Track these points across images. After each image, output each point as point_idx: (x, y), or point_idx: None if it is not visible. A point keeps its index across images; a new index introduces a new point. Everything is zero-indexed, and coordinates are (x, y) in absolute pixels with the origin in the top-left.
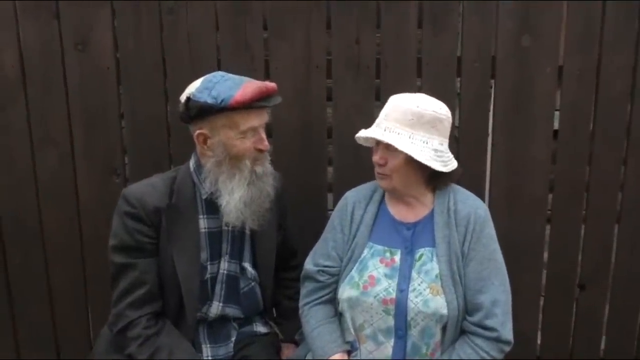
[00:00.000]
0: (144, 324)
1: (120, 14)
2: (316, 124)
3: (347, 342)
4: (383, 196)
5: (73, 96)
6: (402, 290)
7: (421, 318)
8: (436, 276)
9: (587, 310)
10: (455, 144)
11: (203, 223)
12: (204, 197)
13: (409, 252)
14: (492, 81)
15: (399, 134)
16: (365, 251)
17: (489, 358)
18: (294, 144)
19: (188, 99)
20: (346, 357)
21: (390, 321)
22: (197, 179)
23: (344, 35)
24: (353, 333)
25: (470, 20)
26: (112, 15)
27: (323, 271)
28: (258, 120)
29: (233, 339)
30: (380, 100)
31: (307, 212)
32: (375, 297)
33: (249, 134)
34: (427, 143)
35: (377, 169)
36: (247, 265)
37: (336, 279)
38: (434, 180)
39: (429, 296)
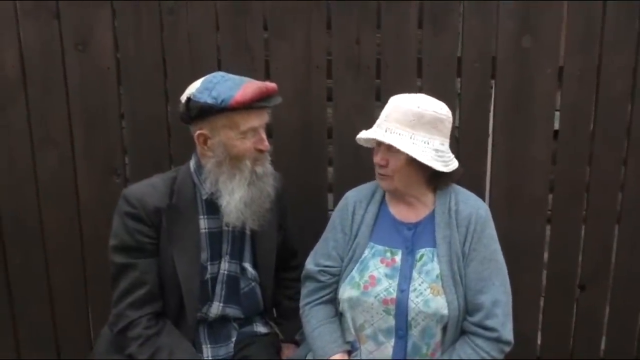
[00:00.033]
0: (144, 324)
1: (121, 14)
2: (316, 124)
3: (348, 342)
4: (384, 196)
5: (73, 96)
6: (403, 290)
7: (422, 318)
8: (437, 276)
9: (587, 310)
10: (456, 144)
11: (203, 223)
12: (204, 197)
13: (410, 252)
14: (493, 81)
15: (400, 134)
16: (366, 251)
17: (489, 358)
18: (294, 144)
19: (188, 99)
20: (346, 357)
21: (391, 321)
22: (197, 179)
23: (344, 35)
24: (353, 333)
25: (471, 20)
26: (112, 15)
27: (324, 271)
28: (258, 120)
29: (233, 339)
30: (380, 100)
31: (308, 212)
32: (375, 297)
33: (249, 134)
34: (428, 143)
35: (378, 170)
36: (248, 266)
37: (337, 279)
38: (435, 180)
39: (430, 296)
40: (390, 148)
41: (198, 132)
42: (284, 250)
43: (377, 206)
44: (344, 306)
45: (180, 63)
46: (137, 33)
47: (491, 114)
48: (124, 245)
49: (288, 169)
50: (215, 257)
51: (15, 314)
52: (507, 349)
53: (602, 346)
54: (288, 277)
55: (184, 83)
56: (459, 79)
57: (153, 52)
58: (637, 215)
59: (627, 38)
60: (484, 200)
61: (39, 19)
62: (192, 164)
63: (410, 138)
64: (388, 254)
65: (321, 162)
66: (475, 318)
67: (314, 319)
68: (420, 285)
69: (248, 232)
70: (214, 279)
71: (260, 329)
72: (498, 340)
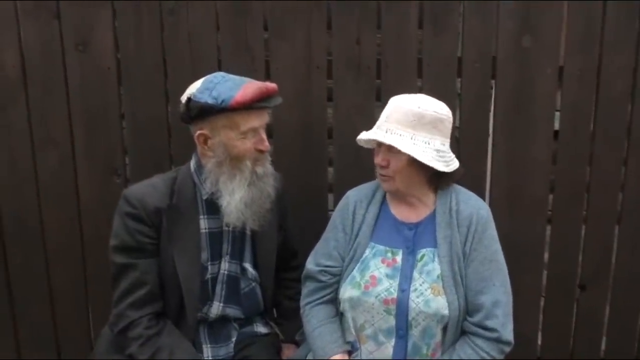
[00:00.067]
0: (145, 324)
1: (121, 14)
2: (317, 125)
3: (348, 342)
4: (385, 196)
5: (74, 96)
6: (404, 290)
7: (422, 318)
8: (438, 276)
9: (587, 311)
10: (456, 145)
11: (204, 223)
12: (204, 197)
13: (411, 253)
14: (493, 82)
15: (400, 135)
16: (367, 251)
17: (489, 358)
18: (294, 144)
19: (189, 99)
20: (347, 358)
21: (392, 321)
22: (197, 179)
23: (345, 35)
24: (354, 333)
25: (471, 20)
26: (112, 15)
27: (325, 271)
28: (259, 120)
29: (234, 339)
30: (380, 100)
31: (308, 212)
32: (376, 297)
33: (250, 135)
34: (429, 144)
35: (379, 171)
36: (248, 266)
37: (338, 279)
38: (436, 180)
39: (430, 296)
40: (391, 149)
41: (198, 132)
42: (284, 251)
43: (378, 206)
44: (344, 306)
45: (180, 63)
46: (138, 33)
47: (491, 114)
48: (124, 246)
49: (288, 170)
50: (216, 257)
51: (15, 314)
52: (508, 349)
53: (603, 347)
54: (288, 278)
55: (185, 83)
56: (459, 79)
57: (153, 52)
58: (637, 215)
59: (627, 38)
60: (484, 200)
61: (39, 19)
62: (192, 164)
63: (411, 139)
64: (389, 254)
65: (321, 162)
66: (476, 318)
67: (315, 318)
68: (421, 285)
69: (248, 232)
70: (214, 279)
71: (261, 329)
72: (498, 341)
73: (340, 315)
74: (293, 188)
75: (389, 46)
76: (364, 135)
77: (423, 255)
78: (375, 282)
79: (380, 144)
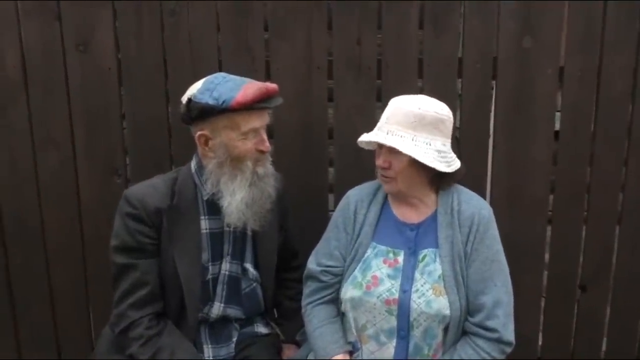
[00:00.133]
0: (145, 325)
1: (122, 14)
2: (317, 125)
3: (349, 343)
4: (386, 197)
5: (74, 97)
6: (405, 290)
7: (424, 319)
8: (439, 277)
9: (588, 311)
10: (457, 145)
11: (204, 224)
12: (205, 198)
13: (413, 253)
14: (493, 82)
15: (401, 136)
16: (369, 251)
17: (489, 359)
18: (295, 144)
19: (189, 100)
20: (348, 358)
21: (393, 322)
22: (198, 180)
23: (345, 35)
24: (355, 333)
25: (472, 20)
26: (113, 16)
27: (326, 271)
28: (259, 121)
29: (234, 339)
30: (381, 101)
31: (308, 212)
32: (378, 297)
33: (250, 135)
34: (430, 144)
35: (381, 172)
36: (249, 266)
37: (339, 279)
38: (438, 181)
39: (432, 297)
40: (392, 150)
41: (199, 133)
42: (284, 251)
43: (380, 206)
44: (346, 306)
45: (181, 64)
46: (138, 34)
47: (492, 114)
48: (125, 246)
49: (289, 170)
50: (217, 257)
51: (16, 314)
52: (508, 349)
53: (603, 347)
54: (289, 278)
55: (185, 84)
56: (459, 80)
57: (154, 52)
58: (638, 215)
59: (627, 38)
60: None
61: (40, 20)
62: (193, 164)
63: (412, 140)
64: (390, 255)
65: (322, 162)
66: (476, 319)
67: (316, 318)
68: (422, 286)
69: (249, 232)
70: (215, 280)
71: (261, 329)
72: (499, 341)
73: (341, 316)
74: (294, 188)
75: (390, 46)
76: (365, 137)
77: (424, 256)
78: (376, 282)
79: (381, 146)
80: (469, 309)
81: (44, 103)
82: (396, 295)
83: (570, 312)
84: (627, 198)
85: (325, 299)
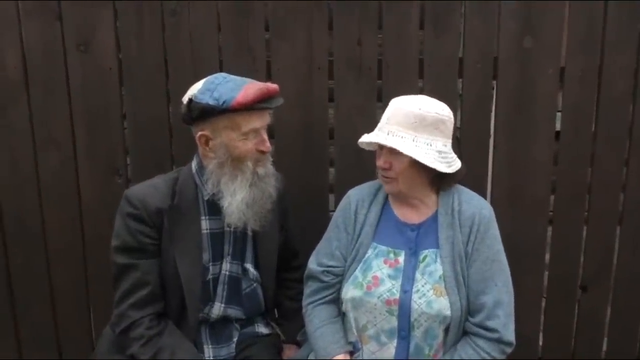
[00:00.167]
0: (146, 325)
1: (123, 14)
2: (318, 125)
3: (350, 343)
4: (387, 197)
5: (75, 97)
6: (406, 291)
7: (424, 319)
8: (440, 277)
9: (589, 311)
10: (457, 145)
11: (205, 224)
12: (206, 198)
13: (413, 254)
14: (494, 82)
15: (402, 137)
16: (370, 251)
17: (490, 359)
18: (295, 145)
19: (190, 100)
20: (348, 358)
21: (394, 322)
22: (199, 180)
23: (346, 36)
24: (356, 333)
25: (473, 21)
26: (114, 16)
27: (327, 271)
28: (260, 121)
29: (235, 339)
30: (382, 101)
31: (309, 213)
32: (379, 297)
33: (251, 136)
34: (430, 145)
35: (382, 173)
36: (249, 266)
37: (340, 279)
38: (439, 181)
39: (433, 297)
40: (393, 151)
41: (200, 133)
42: (285, 251)
43: (380, 207)
44: (346, 306)
45: (182, 64)
46: (139, 34)
47: (493, 114)
48: (125, 246)
49: (289, 170)
50: (217, 257)
51: (16, 314)
52: (509, 350)
53: (604, 347)
54: (289, 278)
55: (186, 84)
56: (460, 80)
57: (155, 52)
58: (639, 216)
59: (628, 38)
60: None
61: (41, 20)
62: (193, 165)
63: (413, 140)
64: (391, 255)
65: (322, 162)
66: (477, 319)
67: (317, 318)
68: (423, 286)
69: (250, 232)
70: (216, 280)
71: (262, 329)
72: (499, 341)
73: (342, 316)
74: (294, 188)
75: (390, 47)
76: (365, 138)
77: (425, 256)
78: (377, 282)
79: (382, 147)
80: (470, 309)
81: (45, 103)
82: (397, 296)
83: (571, 313)
84: (628, 198)
85: (326, 299)
